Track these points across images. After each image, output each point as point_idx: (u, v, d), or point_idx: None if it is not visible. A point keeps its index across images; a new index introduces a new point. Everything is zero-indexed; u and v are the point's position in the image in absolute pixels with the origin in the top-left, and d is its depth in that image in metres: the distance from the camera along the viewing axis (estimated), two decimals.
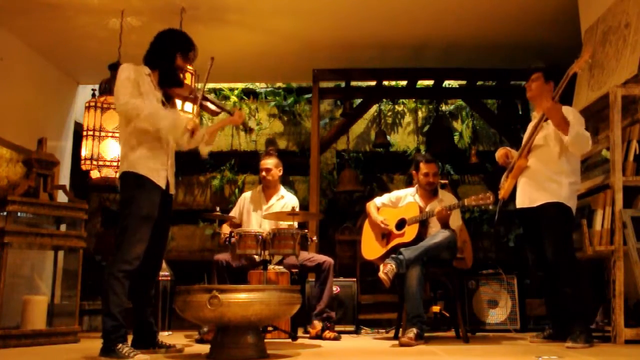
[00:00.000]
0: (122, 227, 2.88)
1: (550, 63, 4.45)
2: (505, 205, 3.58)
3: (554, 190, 3.31)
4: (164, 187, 3.00)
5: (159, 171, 2.98)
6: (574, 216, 3.37)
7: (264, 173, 4.38)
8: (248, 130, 3.48)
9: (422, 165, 3.98)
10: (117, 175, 3.10)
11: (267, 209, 4.34)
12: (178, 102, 3.54)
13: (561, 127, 3.23)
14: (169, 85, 3.08)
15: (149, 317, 3.17)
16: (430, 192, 3.99)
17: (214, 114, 3.30)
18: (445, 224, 3.71)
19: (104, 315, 2.78)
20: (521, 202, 3.48)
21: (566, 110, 3.35)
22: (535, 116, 3.57)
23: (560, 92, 3.30)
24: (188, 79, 4.29)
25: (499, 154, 3.66)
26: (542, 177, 3.37)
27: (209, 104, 3.18)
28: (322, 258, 4.08)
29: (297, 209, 4.25)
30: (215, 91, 6.32)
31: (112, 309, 2.76)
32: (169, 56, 3.04)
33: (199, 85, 3.22)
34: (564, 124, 3.22)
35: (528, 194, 3.43)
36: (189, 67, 4.41)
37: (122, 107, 2.90)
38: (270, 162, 4.39)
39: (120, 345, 2.70)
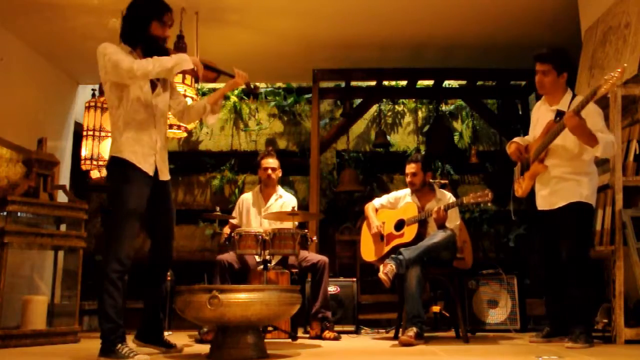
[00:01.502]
0: (111, 223, 2.82)
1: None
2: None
3: (576, 190, 3.24)
4: (151, 173, 2.88)
5: (147, 156, 2.85)
6: (594, 211, 3.33)
7: (269, 171, 4.37)
8: (254, 88, 3.17)
9: (406, 166, 4.01)
10: (107, 160, 2.94)
11: (265, 210, 4.35)
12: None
13: (588, 142, 3.10)
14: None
15: (159, 313, 3.13)
16: (426, 191, 3.99)
17: (212, 80, 3.06)
18: (441, 225, 3.70)
19: (100, 317, 2.76)
20: (541, 205, 3.41)
21: (588, 109, 3.13)
22: (550, 109, 3.40)
23: (583, 108, 3.05)
24: (188, 80, 4.23)
25: (511, 149, 3.54)
26: (560, 179, 3.30)
27: (206, 71, 2.95)
28: (316, 257, 4.08)
29: (296, 210, 4.25)
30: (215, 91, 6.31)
31: (107, 310, 2.73)
32: (143, 26, 2.84)
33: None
34: (591, 139, 3.08)
35: (547, 198, 3.36)
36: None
37: (121, 69, 2.69)
38: (273, 162, 4.40)
39: (120, 345, 2.69)
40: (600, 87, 2.96)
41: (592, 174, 3.31)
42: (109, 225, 2.84)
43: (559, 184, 3.31)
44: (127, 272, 2.81)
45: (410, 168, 3.96)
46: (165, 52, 2.90)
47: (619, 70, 2.92)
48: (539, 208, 3.43)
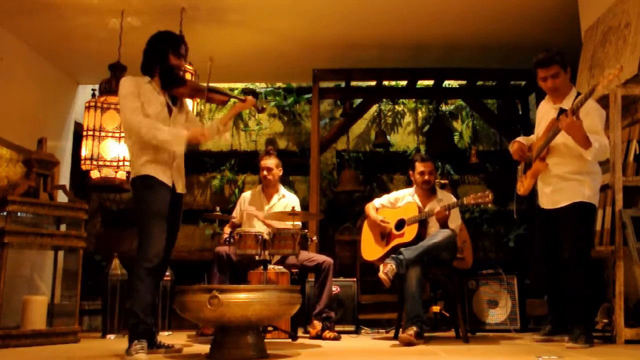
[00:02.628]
0: (139, 228, 2.99)
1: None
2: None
3: (578, 190, 3.24)
4: (169, 184, 3.07)
5: (164, 170, 3.06)
6: (596, 211, 3.33)
7: (265, 172, 4.38)
8: (261, 109, 3.51)
9: (417, 164, 3.98)
10: (130, 182, 3.21)
11: (269, 209, 4.34)
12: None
13: (582, 144, 3.10)
14: (172, 86, 3.13)
15: (153, 317, 3.18)
16: (428, 192, 4.00)
17: (223, 103, 3.40)
18: (444, 224, 3.70)
19: (129, 314, 2.92)
20: (544, 203, 3.41)
21: (587, 108, 3.15)
22: (553, 107, 3.40)
23: (582, 105, 3.09)
24: (189, 77, 4.31)
25: (513, 148, 3.53)
26: (563, 178, 3.29)
27: (216, 95, 3.25)
28: (321, 258, 4.08)
29: (298, 208, 4.25)
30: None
31: (133, 306, 2.88)
32: (162, 58, 3.09)
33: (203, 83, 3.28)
34: (585, 141, 3.08)
35: (550, 197, 3.36)
36: (188, 67, 4.43)
37: (126, 124, 3.07)
38: (271, 162, 4.39)
39: (135, 341, 2.80)
40: (598, 85, 2.99)
41: (595, 174, 3.29)
42: (138, 230, 3.02)
43: (562, 183, 3.30)
44: (156, 270, 2.97)
45: (427, 166, 3.96)
46: (181, 81, 3.17)
47: (617, 67, 2.94)
48: (542, 207, 3.43)
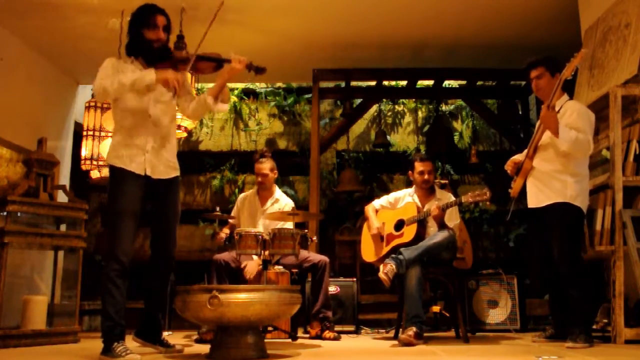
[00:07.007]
0: (107, 225, 2.90)
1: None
2: (505, 205, 3.60)
3: (560, 190, 3.29)
4: (141, 172, 2.90)
5: (133, 156, 2.90)
6: (583, 215, 3.34)
7: (259, 179, 4.37)
8: (259, 70, 3.07)
9: (416, 164, 3.98)
10: None
11: (262, 213, 4.33)
12: None
13: (554, 133, 3.22)
14: (156, 60, 2.95)
15: (159, 314, 3.17)
16: (428, 192, 3.99)
17: (212, 70, 3.08)
18: (441, 224, 3.70)
19: (101, 315, 2.84)
20: (530, 202, 3.47)
21: (572, 108, 3.33)
22: None
23: (555, 98, 3.27)
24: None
25: (508, 167, 3.61)
26: (547, 177, 3.35)
27: (204, 63, 3.00)
28: (317, 258, 4.08)
29: None
30: None
31: (107, 308, 2.81)
32: (137, 37, 2.96)
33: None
34: (557, 131, 3.20)
35: (535, 195, 3.42)
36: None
37: (95, 91, 2.86)
38: (265, 167, 4.35)
39: (115, 344, 2.73)
40: (564, 74, 3.24)
41: (581, 176, 3.32)
42: (107, 227, 2.91)
43: (545, 181, 3.36)
44: (127, 270, 2.86)
45: (427, 165, 3.95)
46: (162, 52, 2.98)
47: (579, 57, 3.18)
48: (529, 206, 3.49)
